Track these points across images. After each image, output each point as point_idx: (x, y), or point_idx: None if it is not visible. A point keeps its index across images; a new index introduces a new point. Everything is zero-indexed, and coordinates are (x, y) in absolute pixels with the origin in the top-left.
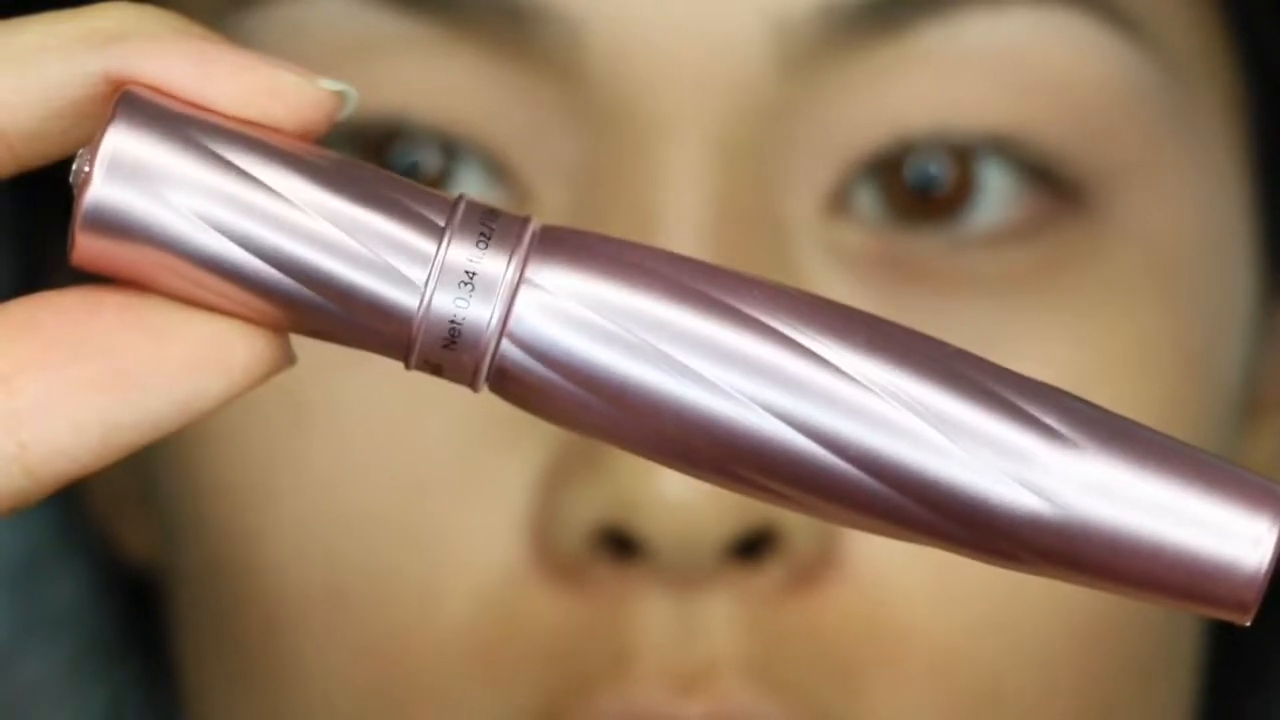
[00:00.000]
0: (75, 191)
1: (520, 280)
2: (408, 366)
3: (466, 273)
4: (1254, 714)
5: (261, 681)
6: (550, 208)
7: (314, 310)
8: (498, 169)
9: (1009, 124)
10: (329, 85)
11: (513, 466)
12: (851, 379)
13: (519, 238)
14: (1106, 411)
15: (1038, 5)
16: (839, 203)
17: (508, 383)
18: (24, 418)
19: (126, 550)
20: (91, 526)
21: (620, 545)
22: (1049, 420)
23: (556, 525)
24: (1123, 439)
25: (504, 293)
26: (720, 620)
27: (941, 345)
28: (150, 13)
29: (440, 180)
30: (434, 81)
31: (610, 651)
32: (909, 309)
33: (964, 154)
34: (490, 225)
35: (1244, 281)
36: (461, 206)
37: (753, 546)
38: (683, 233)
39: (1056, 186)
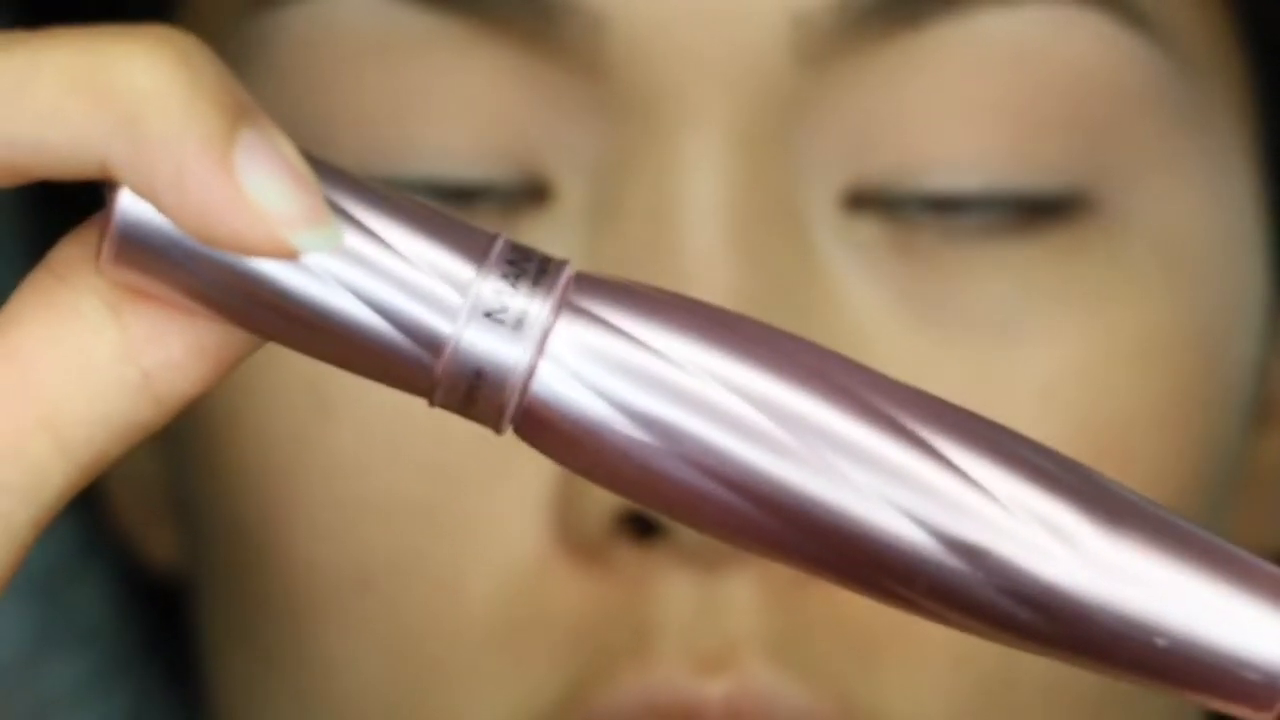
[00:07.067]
0: (108, 197)
1: (552, 327)
2: (431, 404)
3: (497, 315)
4: None
5: (288, 668)
6: (572, 201)
7: (335, 338)
8: (520, 163)
9: (1014, 156)
10: (304, 239)
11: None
12: (841, 451)
13: (553, 283)
14: (1134, 493)
15: (1051, 2)
16: (857, 195)
17: (531, 428)
18: (142, 347)
19: (150, 558)
20: (114, 537)
21: (642, 526)
22: (1080, 500)
23: (579, 507)
24: (1150, 524)
25: (534, 338)
26: (742, 600)
27: (963, 413)
28: (180, 79)
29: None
30: (458, 78)
31: (632, 632)
32: (926, 299)
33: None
34: (525, 267)
35: (1255, 280)
36: (498, 245)
37: None
38: (702, 224)
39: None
